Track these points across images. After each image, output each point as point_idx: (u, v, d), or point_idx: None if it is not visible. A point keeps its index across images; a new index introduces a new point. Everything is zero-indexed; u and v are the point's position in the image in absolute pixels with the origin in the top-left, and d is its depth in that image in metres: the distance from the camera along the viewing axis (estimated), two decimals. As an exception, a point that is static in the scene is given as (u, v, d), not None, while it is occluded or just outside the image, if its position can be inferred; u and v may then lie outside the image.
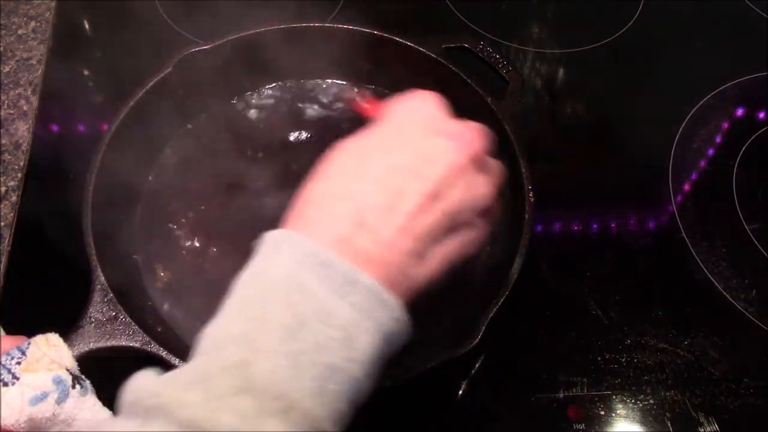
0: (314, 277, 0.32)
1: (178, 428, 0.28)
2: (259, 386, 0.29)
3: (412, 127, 0.39)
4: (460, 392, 0.53)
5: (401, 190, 0.35)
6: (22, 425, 0.38)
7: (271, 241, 0.35)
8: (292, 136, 0.63)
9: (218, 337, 0.32)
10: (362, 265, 0.33)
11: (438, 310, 0.54)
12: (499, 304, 0.47)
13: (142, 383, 0.31)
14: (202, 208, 0.58)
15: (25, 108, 0.67)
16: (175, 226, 0.57)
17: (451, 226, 0.36)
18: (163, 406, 0.29)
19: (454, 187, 0.36)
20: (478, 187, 0.38)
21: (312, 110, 0.65)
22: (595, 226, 0.63)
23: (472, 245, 0.38)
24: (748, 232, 0.63)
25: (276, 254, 0.34)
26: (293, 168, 0.61)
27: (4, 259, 0.57)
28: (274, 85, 0.66)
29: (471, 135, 0.38)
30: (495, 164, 0.40)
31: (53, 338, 0.41)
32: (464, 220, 0.37)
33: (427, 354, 0.48)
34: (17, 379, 0.38)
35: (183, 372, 0.31)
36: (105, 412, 0.40)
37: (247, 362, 0.30)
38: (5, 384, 0.38)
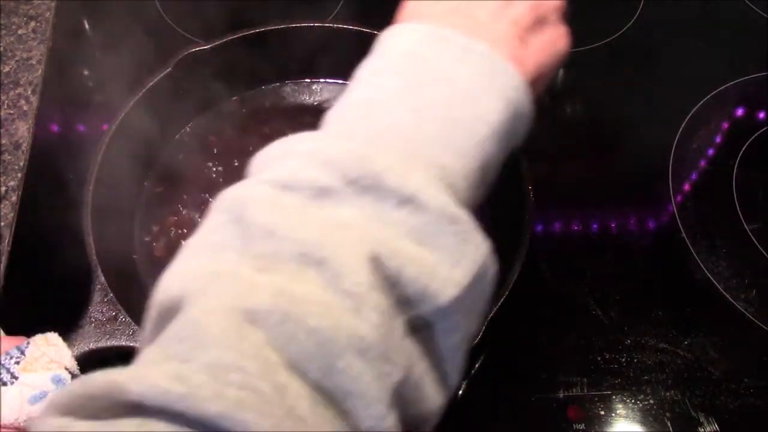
0: (431, 50, 0.32)
1: (305, 162, 0.28)
2: (382, 133, 0.30)
3: None
4: (460, 392, 0.53)
5: None
6: (22, 424, 0.38)
7: (384, 35, 0.35)
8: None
9: (339, 110, 0.32)
10: (478, 41, 0.33)
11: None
12: (499, 304, 0.47)
13: (273, 145, 0.32)
14: (202, 208, 0.58)
15: (25, 108, 0.67)
16: (176, 226, 0.57)
17: (539, 19, 0.37)
18: (290, 150, 0.30)
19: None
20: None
21: (312, 110, 0.65)
22: (595, 226, 0.63)
23: (562, 42, 0.39)
24: (748, 232, 0.63)
25: (393, 38, 0.34)
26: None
27: (4, 259, 0.57)
28: (274, 85, 0.66)
29: None
30: None
31: (52, 338, 0.41)
32: (549, 16, 0.38)
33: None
34: (16, 378, 0.38)
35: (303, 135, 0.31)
36: None
37: (370, 117, 0.30)
38: (4, 384, 0.38)
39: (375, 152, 0.28)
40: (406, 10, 0.37)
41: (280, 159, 0.30)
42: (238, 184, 0.30)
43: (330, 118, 0.32)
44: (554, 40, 0.38)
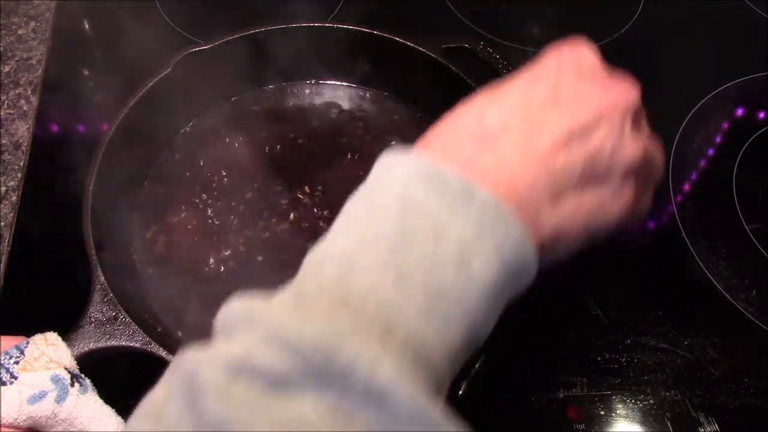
0: (426, 192, 0.29)
1: (262, 340, 0.25)
2: (356, 301, 0.26)
3: (564, 70, 0.35)
4: (460, 392, 0.53)
5: (540, 120, 0.32)
6: (22, 424, 0.38)
7: (384, 161, 0.32)
8: (293, 136, 0.63)
9: (319, 257, 0.29)
10: (484, 185, 0.30)
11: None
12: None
13: (235, 304, 0.28)
14: (202, 208, 0.58)
15: (25, 108, 0.67)
16: (176, 226, 0.57)
17: (593, 175, 0.32)
18: (250, 319, 0.27)
19: (602, 133, 0.33)
20: (629, 141, 0.34)
21: (312, 110, 0.65)
22: (595, 226, 0.63)
23: (614, 208, 0.34)
24: (748, 232, 0.63)
25: (387, 173, 0.31)
26: (294, 167, 0.61)
27: (4, 259, 0.57)
28: (274, 85, 0.66)
29: (629, 86, 0.35)
30: (649, 129, 0.37)
31: (52, 337, 0.41)
32: (608, 174, 0.33)
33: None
34: (15, 378, 0.38)
35: (281, 293, 0.28)
36: (107, 409, 0.40)
37: (345, 278, 0.27)
38: (3, 383, 0.38)
39: (345, 330, 0.25)
40: (432, 131, 0.34)
41: (241, 325, 0.27)
42: (196, 351, 0.27)
43: (310, 266, 0.30)
44: (605, 203, 0.33)
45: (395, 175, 0.31)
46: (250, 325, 0.26)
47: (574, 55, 0.36)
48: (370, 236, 0.29)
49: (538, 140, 0.32)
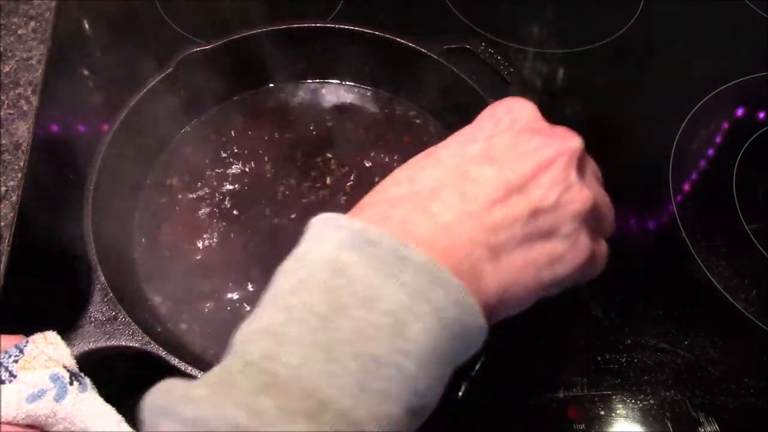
0: (358, 258, 0.28)
1: (182, 428, 0.24)
2: (282, 382, 0.25)
3: (500, 126, 0.35)
4: (460, 393, 0.53)
5: (475, 177, 0.31)
6: (21, 422, 0.38)
7: (314, 225, 0.31)
8: (293, 137, 0.63)
9: (247, 334, 0.28)
10: (419, 247, 0.28)
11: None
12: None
13: (156, 391, 0.27)
14: (203, 208, 0.58)
15: (25, 108, 0.67)
16: (175, 226, 0.57)
17: (539, 228, 0.31)
18: (169, 404, 0.26)
19: (544, 184, 0.32)
20: (575, 191, 0.33)
21: (313, 110, 0.65)
22: (595, 226, 0.63)
23: (566, 261, 0.33)
24: (748, 232, 0.63)
25: (318, 238, 0.30)
26: (294, 168, 0.61)
27: (4, 259, 0.57)
28: (274, 85, 0.66)
29: (571, 135, 0.35)
30: (598, 177, 0.36)
31: (51, 336, 0.41)
32: (556, 226, 0.32)
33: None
34: (14, 377, 0.38)
35: (207, 373, 0.27)
36: (107, 407, 0.40)
37: (272, 356, 0.26)
38: (2, 382, 0.38)
39: (269, 415, 0.24)
40: (368, 195, 0.33)
41: (158, 419, 0.26)
42: None
43: (237, 343, 0.28)
44: (556, 256, 0.32)
45: (325, 242, 0.29)
46: (167, 412, 0.25)
47: (510, 111, 0.35)
48: (298, 310, 0.27)
49: (474, 197, 0.31)
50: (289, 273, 0.30)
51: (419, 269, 0.28)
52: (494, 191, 0.31)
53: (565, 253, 0.32)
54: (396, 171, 0.34)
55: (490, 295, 0.30)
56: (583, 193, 0.33)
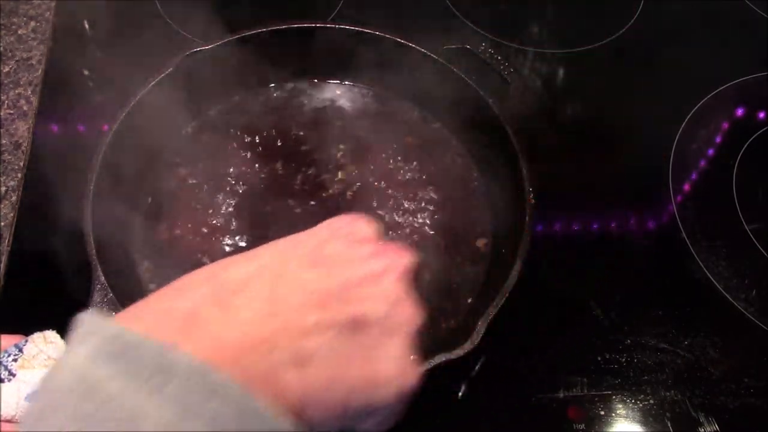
0: (114, 371, 0.24)
1: None
2: None
3: (334, 236, 0.32)
4: (461, 393, 0.53)
5: (292, 279, 0.29)
6: (20, 420, 0.38)
7: (76, 328, 0.26)
8: (293, 136, 0.63)
9: None
10: (206, 353, 0.25)
11: (437, 311, 0.54)
12: (499, 306, 0.47)
13: None
14: (203, 207, 0.58)
15: (25, 108, 0.67)
16: (176, 226, 0.57)
17: (363, 344, 0.28)
18: None
19: (369, 297, 0.29)
20: (402, 308, 0.30)
21: (312, 110, 0.65)
22: (595, 226, 0.63)
23: (389, 386, 0.29)
24: (748, 232, 0.63)
25: (69, 349, 0.25)
26: (295, 167, 0.61)
27: (4, 259, 0.57)
28: (274, 85, 0.66)
29: (404, 252, 0.33)
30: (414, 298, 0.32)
31: (51, 335, 0.41)
32: (382, 344, 0.29)
33: (428, 354, 0.48)
34: (13, 375, 0.38)
35: None
36: None
37: None
38: (2, 381, 0.38)
39: None
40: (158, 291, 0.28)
41: None
42: None
43: None
44: (375, 377, 0.28)
45: (74, 355, 0.25)
46: None
47: (350, 223, 0.33)
48: None
49: (284, 297, 0.28)
50: (42, 391, 0.25)
51: (189, 377, 0.24)
52: (310, 295, 0.28)
53: (389, 374, 0.29)
54: (200, 270, 0.30)
55: (294, 404, 0.27)
56: (414, 310, 0.31)
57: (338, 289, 0.29)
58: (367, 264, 0.30)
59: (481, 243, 0.58)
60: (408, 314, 0.30)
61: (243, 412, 0.24)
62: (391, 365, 0.29)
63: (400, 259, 0.32)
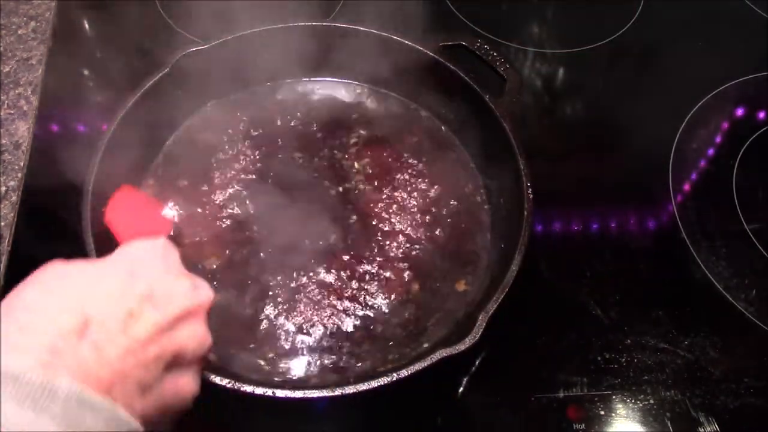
0: (4, 397, 0.28)
1: None
2: None
3: (152, 262, 0.39)
4: (461, 389, 0.53)
5: (137, 315, 0.34)
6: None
7: None
8: (293, 135, 0.63)
9: None
10: (81, 380, 0.31)
11: (437, 309, 0.54)
12: (499, 300, 0.47)
13: None
14: (202, 206, 0.58)
15: (25, 108, 0.67)
16: (175, 225, 0.57)
17: (176, 365, 0.36)
18: None
19: (188, 328, 0.37)
20: (205, 337, 0.39)
21: (312, 109, 0.65)
22: (595, 226, 0.63)
23: (186, 394, 0.37)
24: (748, 232, 0.63)
25: None
26: (294, 167, 0.61)
27: (4, 259, 0.57)
28: (273, 84, 0.66)
29: (208, 287, 0.41)
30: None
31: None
32: (188, 364, 0.37)
33: (428, 350, 0.48)
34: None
35: None
36: None
37: None
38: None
39: None
40: (9, 311, 0.33)
41: None
42: None
43: None
44: (179, 390, 0.36)
45: None
46: None
47: (156, 249, 0.40)
48: None
49: (133, 333, 0.34)
50: None
51: (69, 399, 0.29)
52: (151, 330, 0.34)
53: (186, 387, 0.37)
54: (56, 288, 0.35)
55: (149, 422, 0.34)
56: (209, 339, 0.39)
57: (166, 324, 0.35)
58: (185, 299, 0.38)
59: (480, 239, 0.58)
60: (205, 344, 0.38)
61: (111, 419, 0.31)
62: (195, 382, 0.38)
63: (207, 296, 0.40)
